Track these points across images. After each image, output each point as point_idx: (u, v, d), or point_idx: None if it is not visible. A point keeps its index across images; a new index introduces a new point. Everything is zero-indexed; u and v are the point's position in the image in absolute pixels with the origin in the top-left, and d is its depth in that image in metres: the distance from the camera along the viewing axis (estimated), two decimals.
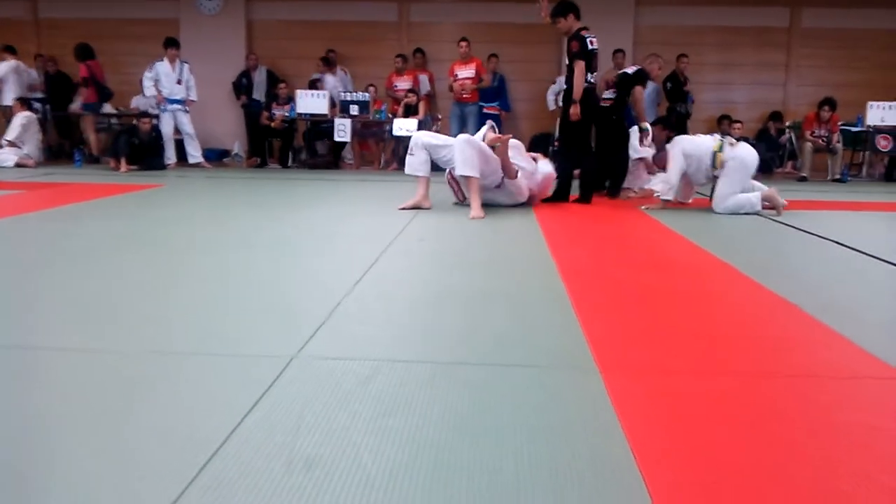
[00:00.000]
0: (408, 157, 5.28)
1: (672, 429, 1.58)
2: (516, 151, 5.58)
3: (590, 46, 5.65)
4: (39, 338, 2.17)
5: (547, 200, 5.85)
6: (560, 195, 5.95)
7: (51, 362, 1.96)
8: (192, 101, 9.42)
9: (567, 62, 5.78)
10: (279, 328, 2.26)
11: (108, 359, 1.97)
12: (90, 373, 1.86)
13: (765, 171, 9.59)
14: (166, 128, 9.30)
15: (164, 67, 9.19)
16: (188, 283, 2.94)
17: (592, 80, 5.81)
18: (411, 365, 1.93)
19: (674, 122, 9.11)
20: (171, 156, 9.33)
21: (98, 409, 1.63)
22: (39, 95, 10.34)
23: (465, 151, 4.95)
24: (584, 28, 5.72)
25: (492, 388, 1.78)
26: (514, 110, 10.39)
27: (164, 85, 9.21)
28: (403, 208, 5.12)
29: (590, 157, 6.11)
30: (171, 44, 9.24)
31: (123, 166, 8.37)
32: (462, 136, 5.13)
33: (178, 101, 9.26)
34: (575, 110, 5.66)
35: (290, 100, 9.76)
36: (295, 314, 2.43)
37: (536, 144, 10.50)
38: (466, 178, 5.02)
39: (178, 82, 9.20)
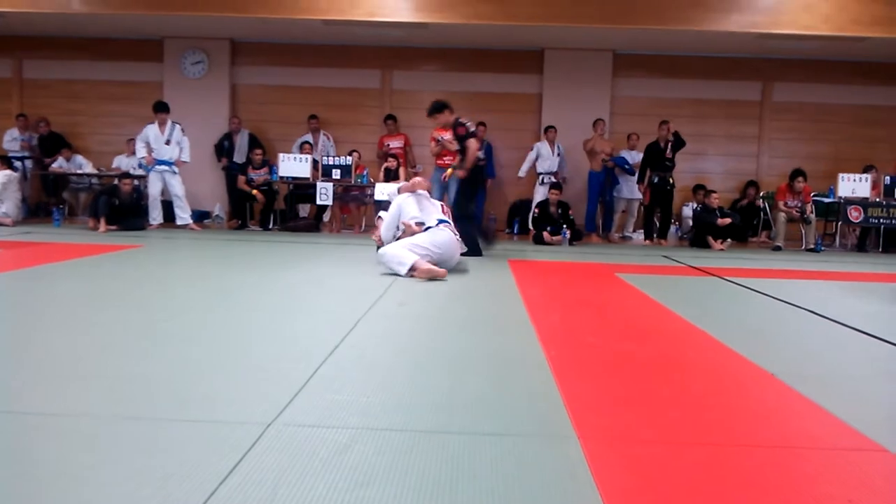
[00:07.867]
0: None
1: (650, 499, 1.56)
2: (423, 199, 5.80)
3: (472, 128, 7.04)
4: (10, 402, 2.12)
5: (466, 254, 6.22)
6: (475, 250, 6.65)
7: (21, 427, 1.91)
8: (184, 161, 9.38)
9: (458, 147, 7.00)
10: (255, 393, 2.23)
11: (80, 423, 1.92)
12: (61, 438, 1.82)
13: (740, 239, 9.79)
14: (153, 189, 9.30)
15: (153, 130, 9.23)
16: (164, 345, 2.90)
17: (482, 156, 7.24)
18: (389, 433, 1.91)
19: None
20: (156, 216, 9.30)
21: (69, 476, 1.59)
22: (26, 154, 10.36)
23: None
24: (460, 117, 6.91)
25: (470, 457, 1.76)
26: (497, 177, 10.52)
27: (153, 147, 9.21)
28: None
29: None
30: (160, 109, 9.27)
31: (102, 226, 8.34)
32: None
33: (165, 163, 9.23)
34: (462, 174, 6.94)
35: (266, 164, 9.85)
36: (272, 379, 2.40)
37: (517, 210, 10.68)
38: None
39: (167, 143, 9.20)
